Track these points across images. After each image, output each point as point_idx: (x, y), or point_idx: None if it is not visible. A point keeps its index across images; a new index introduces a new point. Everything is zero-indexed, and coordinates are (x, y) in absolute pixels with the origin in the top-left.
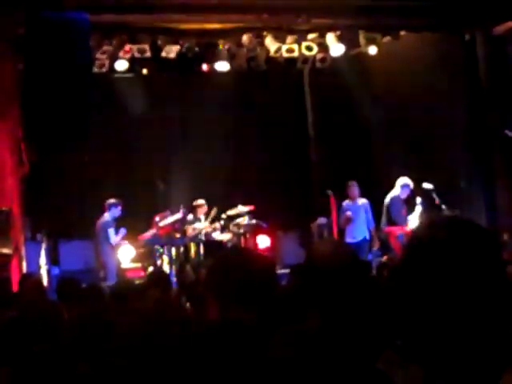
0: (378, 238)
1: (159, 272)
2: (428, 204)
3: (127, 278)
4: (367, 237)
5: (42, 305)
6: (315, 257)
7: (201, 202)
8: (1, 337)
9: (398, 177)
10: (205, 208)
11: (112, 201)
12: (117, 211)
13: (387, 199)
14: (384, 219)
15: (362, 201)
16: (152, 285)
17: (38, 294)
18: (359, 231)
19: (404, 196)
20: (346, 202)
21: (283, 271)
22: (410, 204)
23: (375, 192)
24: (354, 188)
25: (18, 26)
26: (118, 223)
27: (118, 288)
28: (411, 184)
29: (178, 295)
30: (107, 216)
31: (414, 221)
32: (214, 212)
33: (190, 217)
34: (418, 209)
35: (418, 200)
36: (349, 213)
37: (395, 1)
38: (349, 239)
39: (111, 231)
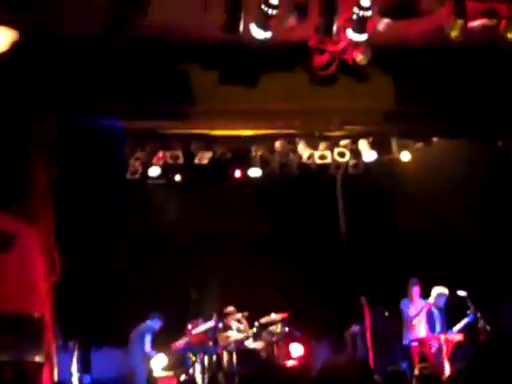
0: None
1: (191, 381)
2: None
3: None
4: None
5: None
6: (327, 372)
7: (230, 309)
8: None
9: (432, 283)
10: (235, 315)
11: (156, 312)
12: (157, 324)
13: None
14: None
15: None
16: None
17: None
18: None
19: (440, 304)
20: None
21: None
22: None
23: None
24: (416, 287)
25: (51, 133)
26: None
27: None
28: (447, 292)
29: None
30: (148, 324)
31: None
32: (244, 316)
33: (221, 325)
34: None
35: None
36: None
37: (426, 107)
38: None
39: (148, 338)
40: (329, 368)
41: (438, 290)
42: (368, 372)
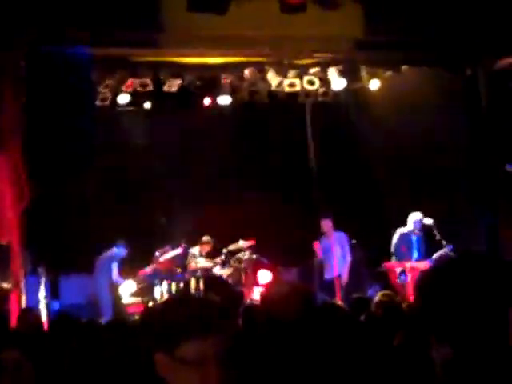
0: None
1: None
2: (428, 239)
3: (125, 315)
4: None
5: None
6: (267, 301)
7: (206, 238)
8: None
9: (399, 210)
10: (210, 246)
11: (122, 240)
12: (124, 251)
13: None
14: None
15: (337, 235)
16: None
17: (36, 329)
18: (333, 267)
19: (417, 230)
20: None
21: None
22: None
23: (376, 226)
24: (324, 223)
25: (19, 61)
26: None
27: (115, 325)
28: (420, 216)
29: None
30: (114, 251)
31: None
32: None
33: (195, 251)
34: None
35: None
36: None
37: (396, 35)
38: (326, 275)
39: (115, 266)
40: (268, 296)
41: (412, 216)
42: (308, 303)
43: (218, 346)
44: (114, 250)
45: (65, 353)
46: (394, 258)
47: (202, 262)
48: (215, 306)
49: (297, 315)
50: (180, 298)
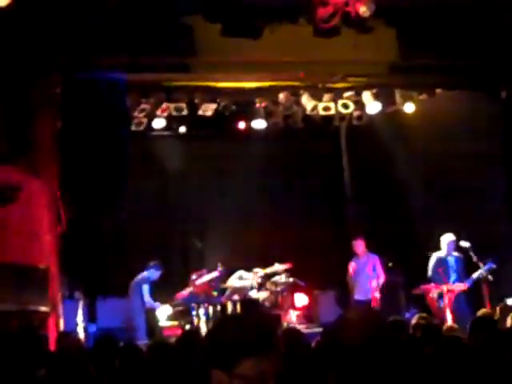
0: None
1: (196, 331)
2: (465, 262)
3: (163, 337)
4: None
5: (74, 365)
6: (342, 326)
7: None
8: None
9: (435, 235)
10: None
11: (154, 262)
12: (156, 274)
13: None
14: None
15: (370, 256)
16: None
17: (77, 352)
18: (364, 288)
19: (450, 252)
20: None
21: (318, 330)
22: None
23: (412, 250)
24: (356, 244)
25: (55, 87)
26: (156, 283)
27: (155, 346)
28: (453, 238)
29: None
30: (145, 274)
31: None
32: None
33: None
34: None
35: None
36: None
37: (430, 59)
38: (357, 296)
39: (145, 288)
40: (343, 323)
41: (445, 238)
42: (382, 328)
43: (276, 365)
44: (145, 273)
45: (108, 373)
46: (432, 282)
47: (239, 285)
48: (272, 327)
49: (364, 341)
50: (241, 317)
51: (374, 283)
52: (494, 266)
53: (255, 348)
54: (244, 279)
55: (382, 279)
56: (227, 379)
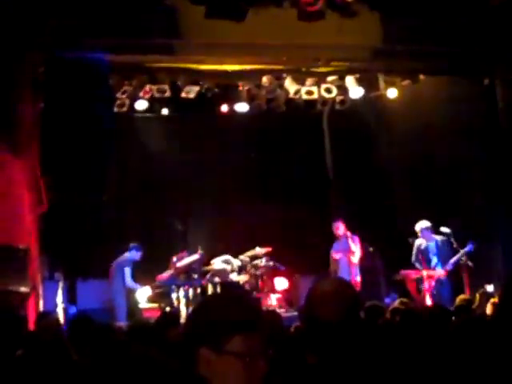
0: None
1: (175, 313)
2: (448, 245)
3: (143, 318)
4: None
5: (52, 345)
6: (314, 299)
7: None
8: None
9: (415, 219)
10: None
11: (134, 243)
12: (137, 255)
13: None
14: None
15: (350, 237)
16: (168, 324)
17: (55, 333)
18: (345, 272)
19: (427, 238)
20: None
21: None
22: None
23: (394, 234)
24: (336, 225)
25: (37, 66)
26: (137, 264)
27: (134, 327)
28: (428, 224)
29: None
30: (127, 256)
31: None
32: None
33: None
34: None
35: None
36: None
37: (413, 44)
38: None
39: (127, 271)
40: (315, 295)
41: (418, 224)
42: (355, 298)
43: (264, 342)
44: (127, 254)
45: (85, 354)
46: (415, 267)
47: (218, 264)
48: (257, 305)
49: (339, 318)
50: (226, 295)
51: (355, 268)
52: (472, 248)
53: (243, 324)
54: (229, 264)
55: (358, 256)
56: (216, 356)
